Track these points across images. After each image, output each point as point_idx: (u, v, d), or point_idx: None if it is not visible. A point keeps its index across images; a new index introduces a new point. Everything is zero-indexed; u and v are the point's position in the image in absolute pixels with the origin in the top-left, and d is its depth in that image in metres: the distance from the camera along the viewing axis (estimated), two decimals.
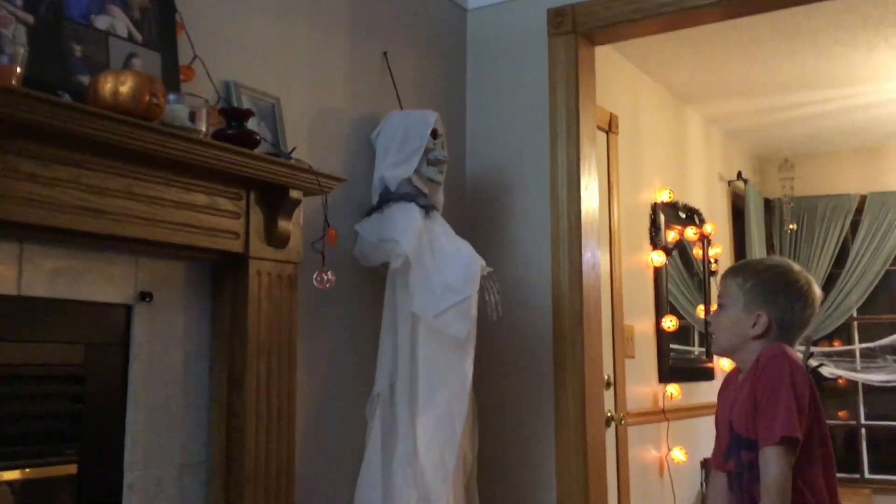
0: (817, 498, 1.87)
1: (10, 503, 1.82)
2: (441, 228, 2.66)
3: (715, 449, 2.11)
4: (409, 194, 2.61)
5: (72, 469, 1.88)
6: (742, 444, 1.93)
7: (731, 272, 2.09)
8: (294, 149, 2.30)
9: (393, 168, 2.62)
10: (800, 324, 2.00)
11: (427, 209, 2.63)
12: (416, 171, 2.63)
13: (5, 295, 1.75)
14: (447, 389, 2.49)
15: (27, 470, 1.82)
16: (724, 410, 2.05)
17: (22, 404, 1.84)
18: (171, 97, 1.90)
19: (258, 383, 2.13)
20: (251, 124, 2.14)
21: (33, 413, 1.86)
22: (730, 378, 2.10)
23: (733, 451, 1.97)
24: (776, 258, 2.13)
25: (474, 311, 2.52)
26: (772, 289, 1.99)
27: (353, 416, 2.58)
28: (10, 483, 1.81)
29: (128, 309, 2.00)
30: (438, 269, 2.52)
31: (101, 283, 1.93)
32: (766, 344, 1.96)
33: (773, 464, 1.81)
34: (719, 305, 2.08)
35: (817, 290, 2.03)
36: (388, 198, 2.61)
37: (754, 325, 1.97)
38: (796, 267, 2.05)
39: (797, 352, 2.00)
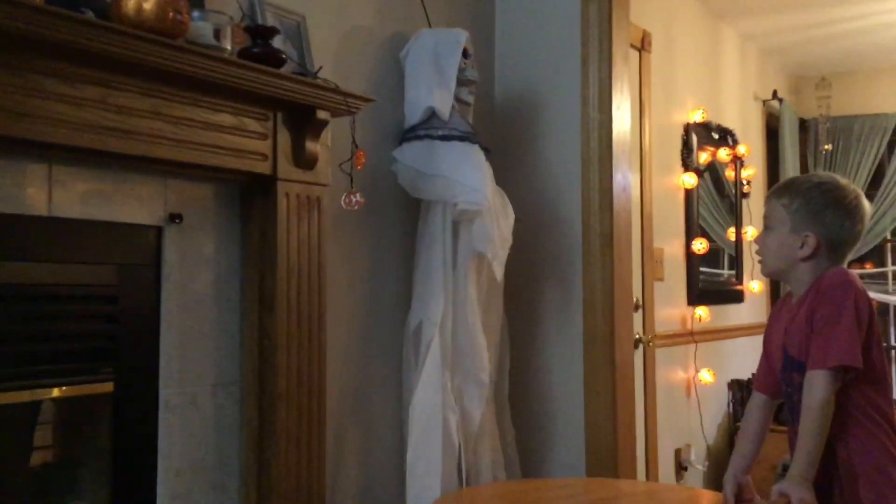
0: (873, 420, 1.86)
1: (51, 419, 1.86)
2: (491, 173, 2.66)
3: (764, 375, 2.09)
4: (471, 134, 2.59)
5: (108, 387, 1.92)
6: (795, 366, 1.91)
7: (775, 192, 2.02)
8: (321, 68, 2.26)
9: (433, 93, 2.56)
10: (850, 241, 1.95)
11: (487, 152, 2.66)
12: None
13: (36, 216, 1.76)
14: (493, 325, 2.67)
15: (64, 388, 1.85)
16: (776, 334, 2.01)
17: (57, 324, 1.86)
18: (196, 14, 1.86)
19: (288, 304, 2.14)
20: (276, 42, 2.10)
21: (69, 332, 1.89)
22: (783, 302, 2.07)
23: (785, 373, 1.96)
24: (822, 174, 2.04)
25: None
26: (819, 208, 1.92)
27: (381, 337, 2.61)
28: (48, 402, 1.85)
29: (158, 230, 2.00)
30: (498, 217, 2.63)
31: (131, 204, 1.93)
32: (815, 264, 1.92)
33: (819, 386, 1.79)
34: (765, 227, 2.03)
35: (866, 204, 1.97)
36: (444, 132, 2.56)
37: (802, 245, 1.92)
38: (843, 181, 1.97)
39: None
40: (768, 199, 2.04)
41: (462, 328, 2.56)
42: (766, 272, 2.07)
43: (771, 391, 2.07)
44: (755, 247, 2.11)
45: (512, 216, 2.70)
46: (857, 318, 1.81)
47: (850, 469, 1.83)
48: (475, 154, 2.57)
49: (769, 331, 2.09)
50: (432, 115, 2.57)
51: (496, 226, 2.58)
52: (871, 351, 1.85)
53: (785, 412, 2.00)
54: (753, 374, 2.17)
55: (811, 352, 1.83)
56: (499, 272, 2.62)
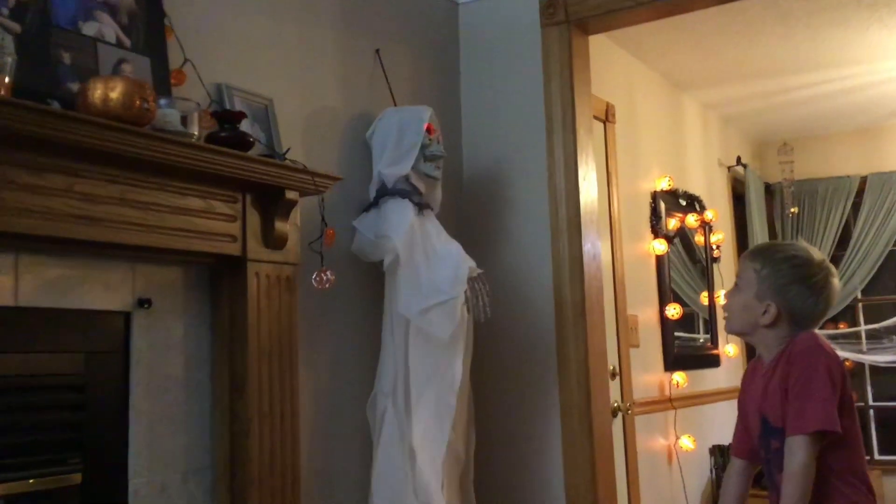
0: (847, 482, 1.87)
1: None
2: (433, 227, 2.66)
3: (741, 440, 2.09)
4: (404, 191, 2.60)
5: (76, 478, 1.87)
6: (772, 433, 1.92)
7: (750, 254, 2.08)
8: (288, 149, 2.29)
9: (390, 165, 2.61)
10: (813, 317, 1.98)
11: (420, 207, 2.63)
12: (414, 168, 2.62)
13: (3, 306, 1.74)
14: (435, 389, 2.49)
15: (31, 481, 1.80)
16: (752, 399, 2.03)
17: (24, 415, 1.83)
18: (163, 101, 1.89)
19: (260, 386, 2.12)
20: (244, 126, 2.13)
21: (36, 424, 1.85)
22: (755, 366, 2.08)
23: (764, 440, 1.97)
24: (798, 246, 2.07)
25: (459, 313, 2.51)
26: (785, 282, 1.96)
27: (356, 416, 2.58)
28: (15, 496, 1.80)
29: (126, 316, 1.99)
30: (428, 268, 2.53)
31: (98, 290, 1.92)
32: (777, 332, 1.95)
33: (798, 453, 1.80)
34: (735, 285, 2.07)
35: (835, 284, 2.00)
36: (385, 194, 2.60)
37: (764, 313, 1.96)
38: (816, 258, 2.00)
39: None
40: (742, 259, 2.08)
41: (406, 396, 2.48)
42: (730, 330, 2.11)
43: (749, 456, 2.07)
44: (725, 301, 2.14)
45: (454, 267, 2.53)
46: (831, 381, 1.83)
47: None
48: (399, 206, 2.57)
49: (743, 395, 2.10)
50: (382, 183, 2.61)
51: (419, 279, 2.48)
52: (843, 414, 1.86)
53: (765, 478, 2.00)
54: (732, 448, 2.18)
55: (788, 418, 1.84)
56: (438, 330, 2.45)
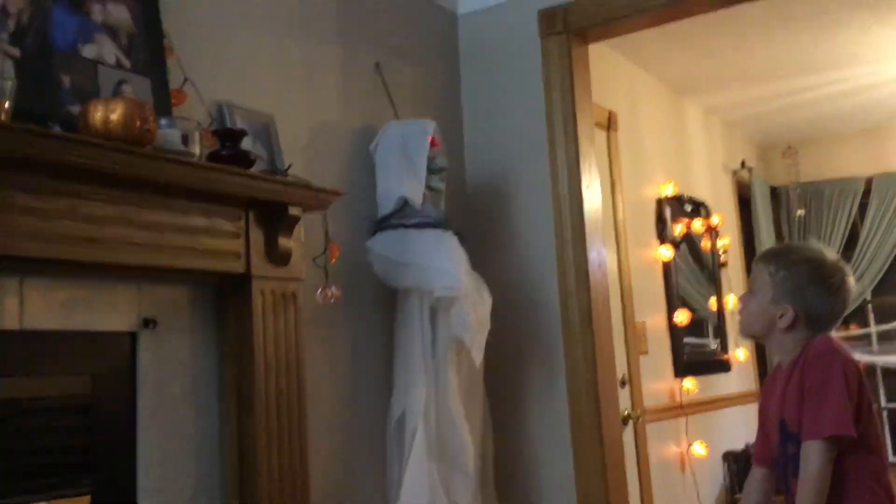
0: (883, 487, 1.84)
1: None
2: (465, 258, 2.68)
3: (761, 447, 2.08)
4: (443, 221, 2.63)
5: (85, 501, 1.87)
6: (789, 438, 1.90)
7: (763, 258, 2.06)
8: (290, 165, 2.29)
9: (403, 182, 2.60)
10: (830, 318, 1.96)
11: (460, 237, 2.67)
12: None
13: (8, 330, 1.75)
14: (471, 409, 2.63)
15: None
16: (773, 407, 2.01)
17: (32, 438, 1.83)
18: (163, 122, 1.90)
19: (268, 403, 2.11)
20: (245, 144, 2.14)
21: (44, 446, 1.85)
22: (775, 373, 2.06)
23: (781, 446, 1.95)
24: (814, 248, 2.05)
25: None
26: (802, 283, 1.94)
27: (362, 430, 2.57)
28: None
29: (133, 336, 1.99)
30: (474, 301, 2.62)
31: (104, 312, 1.92)
32: (794, 335, 1.93)
33: (814, 458, 1.78)
34: (750, 290, 2.05)
35: (851, 284, 1.98)
36: (417, 220, 2.59)
37: (781, 316, 1.94)
38: (831, 258, 1.99)
39: None
40: (756, 263, 2.07)
41: (445, 417, 2.53)
42: (745, 335, 2.09)
43: (769, 464, 2.04)
44: (739, 306, 2.12)
45: (489, 300, 2.70)
46: (847, 385, 1.81)
47: None
48: (448, 240, 2.59)
49: (764, 403, 2.08)
50: (405, 204, 2.60)
51: (472, 311, 2.58)
52: (862, 418, 1.84)
53: (779, 484, 1.98)
54: (749, 446, 2.16)
55: (803, 422, 1.83)
56: (477, 357, 2.60)
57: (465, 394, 2.62)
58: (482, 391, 2.76)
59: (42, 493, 1.81)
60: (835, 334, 2.00)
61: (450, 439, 2.53)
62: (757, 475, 2.06)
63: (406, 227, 2.59)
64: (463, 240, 2.70)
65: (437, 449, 2.51)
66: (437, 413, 2.53)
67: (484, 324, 2.64)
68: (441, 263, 2.53)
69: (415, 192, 2.60)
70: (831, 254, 2.01)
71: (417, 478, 2.45)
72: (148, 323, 2.00)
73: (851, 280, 1.99)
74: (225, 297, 2.16)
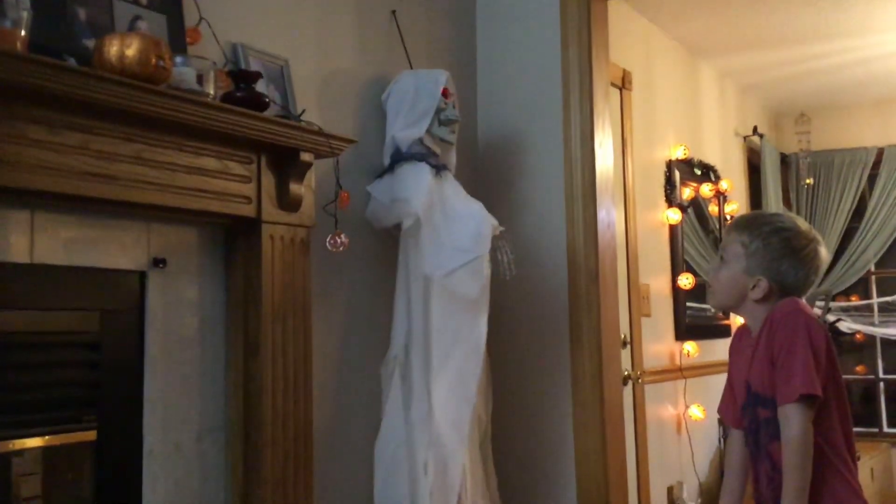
0: (835, 451, 1.86)
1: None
2: (452, 188, 2.64)
3: (726, 405, 2.09)
4: (420, 154, 2.58)
5: (91, 435, 1.89)
6: (759, 402, 1.91)
7: (736, 227, 2.02)
8: (304, 111, 2.27)
9: (404, 129, 2.59)
10: (802, 288, 1.96)
11: (438, 169, 2.61)
12: (428, 132, 2.60)
13: (19, 263, 1.75)
14: (461, 350, 2.50)
15: (47, 437, 1.82)
16: (739, 368, 2.02)
17: (39, 372, 1.84)
18: (178, 60, 1.87)
19: (274, 347, 2.12)
20: (260, 86, 2.12)
21: (51, 380, 1.86)
22: (741, 334, 2.07)
23: (748, 408, 1.95)
24: (786, 218, 2.03)
25: (486, 271, 2.53)
26: (776, 255, 1.92)
27: (369, 378, 2.58)
28: (30, 451, 1.82)
29: (142, 275, 1.99)
30: (449, 228, 2.53)
31: (114, 250, 1.92)
32: (767, 306, 1.93)
33: (793, 421, 1.79)
34: (721, 259, 2.03)
35: (823, 255, 1.97)
36: (400, 158, 2.58)
37: (754, 287, 1.93)
38: (804, 228, 1.97)
39: (816, 308, 1.97)
40: (728, 232, 2.04)
41: (419, 361, 2.47)
42: (715, 305, 2.09)
43: (743, 425, 2.06)
44: (710, 276, 2.11)
45: (478, 226, 2.53)
46: (812, 344, 1.82)
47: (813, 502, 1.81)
48: (415, 169, 2.55)
49: (732, 365, 2.09)
50: (397, 147, 2.59)
51: (440, 240, 2.49)
52: (830, 379, 1.85)
53: (750, 445, 1.98)
54: (718, 408, 2.17)
55: (778, 388, 1.83)
56: (463, 287, 2.47)
57: (451, 334, 2.49)
58: (479, 338, 2.56)
59: (47, 427, 1.82)
60: (834, 304, 2.00)
61: (439, 384, 2.47)
62: (736, 436, 2.07)
63: (393, 170, 2.58)
64: (441, 171, 2.61)
65: (415, 391, 2.47)
66: (423, 357, 2.47)
67: (465, 250, 2.49)
68: (406, 193, 2.50)
69: (406, 134, 2.57)
70: (803, 223, 2.00)
71: (392, 418, 2.46)
72: (157, 262, 2.00)
73: (823, 250, 1.98)
74: (234, 240, 2.16)
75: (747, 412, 1.96)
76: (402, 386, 2.49)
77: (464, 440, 2.48)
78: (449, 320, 2.49)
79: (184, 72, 1.87)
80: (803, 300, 1.94)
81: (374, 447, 2.53)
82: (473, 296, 2.50)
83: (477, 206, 2.61)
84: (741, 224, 2.03)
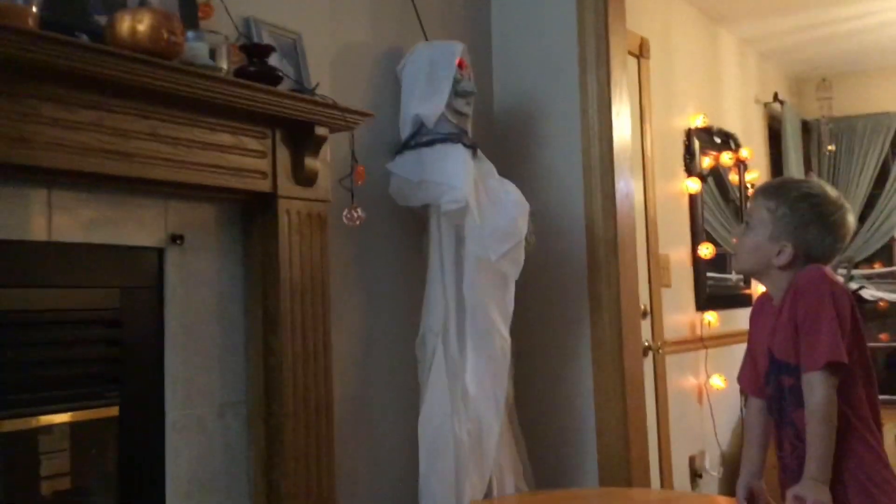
0: (860, 419, 1.84)
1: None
2: (488, 169, 2.65)
3: (748, 374, 2.07)
4: (454, 135, 2.57)
5: (114, 411, 1.91)
6: (783, 370, 1.89)
7: (763, 192, 1.98)
8: (318, 84, 2.26)
9: (424, 102, 2.56)
10: (828, 256, 1.92)
11: (473, 149, 2.61)
12: (447, 105, 2.58)
13: (37, 241, 1.76)
14: (499, 327, 2.56)
15: (70, 414, 1.84)
16: (761, 336, 2.00)
17: (61, 349, 1.86)
18: (191, 35, 1.86)
19: (293, 322, 2.13)
20: (273, 61, 2.10)
21: (72, 357, 1.88)
22: (763, 301, 2.04)
23: (772, 377, 1.93)
24: (814, 183, 2.00)
25: (523, 253, 2.60)
26: (803, 221, 1.89)
27: (390, 352, 2.59)
28: (53, 427, 1.84)
29: (160, 252, 1.99)
30: (491, 212, 2.55)
31: (131, 227, 1.93)
32: (790, 273, 1.90)
33: (818, 388, 1.77)
34: (746, 224, 2.00)
35: (851, 222, 1.94)
36: (429, 137, 2.55)
37: (779, 254, 1.90)
38: (832, 194, 1.93)
39: (838, 276, 1.94)
40: (755, 197, 2.01)
41: (461, 338, 2.52)
42: (738, 269, 2.07)
43: (763, 393, 2.04)
44: (734, 241, 2.08)
45: (519, 208, 2.60)
46: (838, 312, 1.79)
47: (837, 473, 1.78)
48: (455, 152, 2.54)
49: (753, 332, 2.07)
50: (421, 124, 2.57)
51: (487, 222, 2.52)
52: (855, 346, 1.83)
53: (774, 413, 1.97)
54: (738, 377, 2.15)
55: (802, 355, 1.81)
56: (508, 269, 2.55)
57: (496, 312, 2.56)
58: (509, 307, 2.64)
59: (70, 403, 1.84)
60: (857, 271, 1.97)
61: (479, 354, 2.52)
62: (756, 405, 2.05)
63: (420, 146, 2.56)
64: (475, 151, 2.62)
65: (457, 368, 2.51)
66: (457, 335, 2.52)
67: (511, 233, 2.56)
68: (446, 177, 2.50)
69: (429, 110, 2.55)
70: (832, 190, 1.96)
71: (438, 397, 2.47)
72: (175, 239, 2.00)
73: (852, 217, 1.94)
74: (251, 216, 2.16)
75: (770, 380, 1.94)
76: (445, 362, 2.49)
77: (500, 413, 2.53)
78: (490, 299, 2.55)
79: (196, 47, 1.86)
80: (827, 268, 1.91)
81: (397, 420, 2.55)
82: (516, 278, 2.59)
83: (512, 188, 2.65)
84: (768, 189, 2.00)
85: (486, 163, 2.67)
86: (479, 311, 2.53)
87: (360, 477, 2.48)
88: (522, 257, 2.59)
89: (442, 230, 2.55)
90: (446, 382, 2.48)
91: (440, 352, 2.49)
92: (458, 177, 2.49)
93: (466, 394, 2.50)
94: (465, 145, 2.57)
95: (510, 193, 2.63)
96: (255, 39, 2.17)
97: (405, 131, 2.61)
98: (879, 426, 1.89)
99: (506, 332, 2.58)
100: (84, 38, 1.67)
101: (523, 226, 2.59)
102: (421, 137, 2.57)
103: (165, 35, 1.72)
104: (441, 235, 2.55)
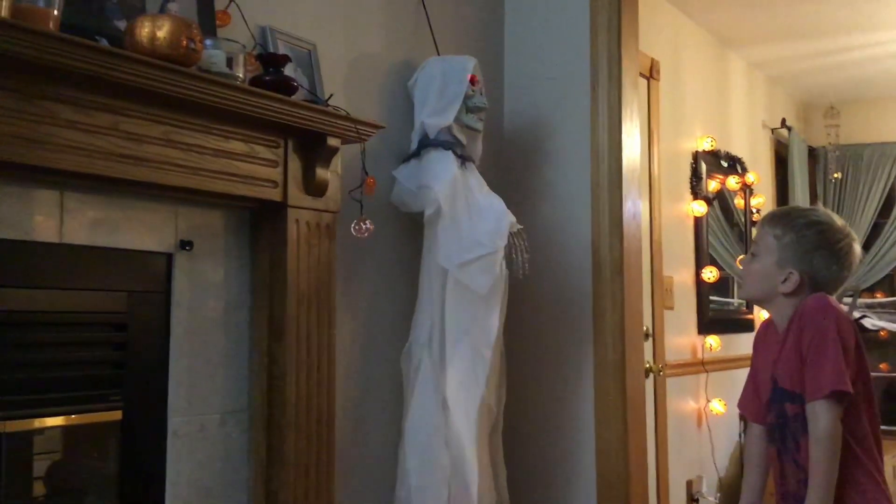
0: (863, 448, 1.84)
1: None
2: (475, 180, 2.63)
3: (748, 400, 2.07)
4: (447, 142, 2.57)
5: (116, 415, 1.90)
6: (786, 397, 1.89)
7: (769, 220, 2.00)
8: (331, 95, 2.27)
9: (433, 115, 2.58)
10: (834, 284, 1.93)
11: (463, 159, 2.60)
12: (456, 120, 2.59)
13: (48, 243, 1.76)
14: (471, 342, 2.49)
15: (72, 416, 1.84)
16: (764, 363, 2.00)
17: (66, 351, 1.85)
18: (208, 42, 1.87)
19: (298, 331, 2.12)
20: (288, 70, 2.11)
21: (77, 360, 1.87)
22: (767, 328, 2.05)
23: (775, 404, 1.93)
24: (820, 211, 2.01)
25: (499, 268, 2.52)
26: (809, 248, 1.90)
27: (392, 364, 2.58)
28: (56, 430, 1.84)
29: (168, 257, 1.99)
30: (469, 221, 2.52)
31: (141, 231, 1.93)
32: (797, 300, 1.90)
33: (822, 417, 1.78)
34: (752, 252, 2.01)
35: (857, 251, 1.95)
36: (427, 144, 2.57)
37: (784, 280, 1.91)
38: (838, 223, 1.95)
39: (843, 304, 1.95)
40: (761, 225, 2.02)
41: (442, 351, 2.47)
42: (745, 296, 2.09)
43: (764, 419, 2.04)
44: (741, 268, 2.09)
45: (495, 222, 2.53)
46: (842, 340, 1.80)
47: (838, 502, 1.79)
48: (443, 157, 2.53)
49: (756, 359, 2.07)
50: (425, 133, 2.58)
51: (460, 232, 2.47)
52: (859, 376, 1.83)
53: (776, 441, 1.97)
54: (739, 403, 2.15)
55: (807, 384, 1.81)
56: (474, 283, 2.45)
57: (461, 327, 2.47)
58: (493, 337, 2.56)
59: (73, 405, 1.84)
60: (860, 300, 1.98)
61: (451, 374, 2.46)
62: (757, 431, 2.06)
63: (420, 153, 2.57)
64: (464, 162, 2.59)
65: (438, 380, 2.47)
66: (440, 347, 2.47)
67: (480, 244, 2.47)
68: (428, 180, 2.49)
69: (434, 120, 2.55)
70: (838, 219, 1.97)
71: (424, 409, 2.44)
72: (184, 245, 2.00)
73: (858, 246, 1.96)
74: (260, 224, 2.16)
75: (773, 407, 1.94)
76: (432, 373, 2.47)
77: (472, 429, 2.47)
78: (461, 313, 2.48)
79: (214, 54, 1.87)
80: (831, 297, 1.91)
81: (397, 431, 2.54)
82: (483, 291, 2.48)
83: (497, 201, 2.60)
84: (775, 217, 2.01)
85: (477, 176, 2.65)
86: (450, 323, 2.47)
87: (358, 488, 2.47)
88: (495, 270, 2.49)
89: (430, 238, 2.54)
90: (433, 395, 2.45)
91: (426, 363, 2.47)
92: (438, 179, 2.48)
93: (447, 406, 2.44)
94: (455, 153, 2.56)
95: (494, 206, 2.57)
96: (271, 48, 2.18)
97: (414, 142, 2.62)
98: (882, 456, 1.89)
99: (484, 353, 2.48)
100: (104, 43, 1.68)
101: (500, 239, 2.51)
102: (422, 148, 2.58)
103: (185, 42, 1.73)
104: (429, 246, 2.54)
